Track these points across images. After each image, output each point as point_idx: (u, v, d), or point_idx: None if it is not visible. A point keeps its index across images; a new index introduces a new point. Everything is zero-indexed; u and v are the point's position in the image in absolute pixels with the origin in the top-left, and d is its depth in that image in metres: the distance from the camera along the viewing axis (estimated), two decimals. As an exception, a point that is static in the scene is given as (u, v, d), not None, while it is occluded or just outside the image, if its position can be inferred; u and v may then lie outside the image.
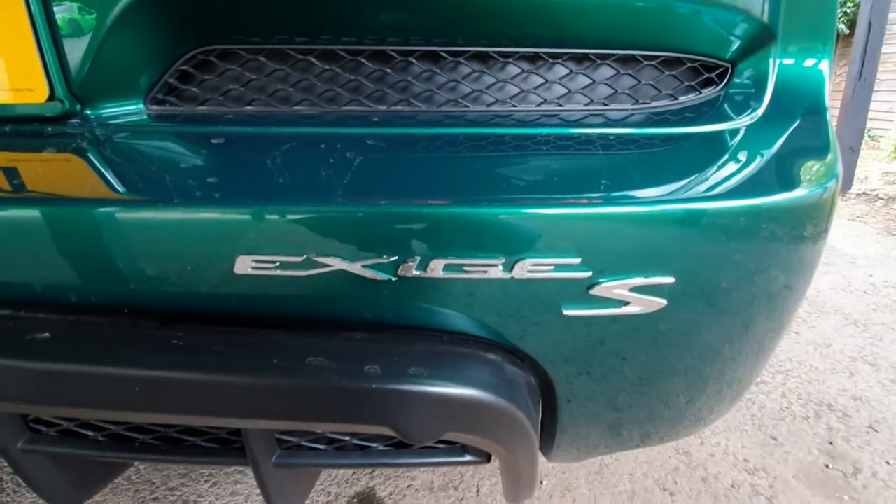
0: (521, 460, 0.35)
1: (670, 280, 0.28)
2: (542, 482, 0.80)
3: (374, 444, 0.37)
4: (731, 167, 0.32)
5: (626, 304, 0.29)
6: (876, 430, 0.92)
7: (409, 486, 0.78)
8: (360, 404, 0.26)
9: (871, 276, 1.64)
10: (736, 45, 0.39)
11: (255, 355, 0.27)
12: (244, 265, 0.26)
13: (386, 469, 0.76)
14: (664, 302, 0.29)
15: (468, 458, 0.37)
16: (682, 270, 0.28)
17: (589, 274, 0.28)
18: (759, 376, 0.44)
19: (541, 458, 0.42)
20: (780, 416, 0.95)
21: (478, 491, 0.77)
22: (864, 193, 2.91)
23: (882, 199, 2.78)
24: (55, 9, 0.32)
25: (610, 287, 0.28)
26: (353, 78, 0.37)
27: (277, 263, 0.26)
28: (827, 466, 0.83)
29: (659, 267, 0.28)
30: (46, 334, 0.27)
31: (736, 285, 0.32)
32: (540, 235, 0.26)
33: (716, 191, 0.29)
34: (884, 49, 3.08)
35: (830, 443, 0.88)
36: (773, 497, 0.77)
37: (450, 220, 0.26)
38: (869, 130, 4.94)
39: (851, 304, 1.43)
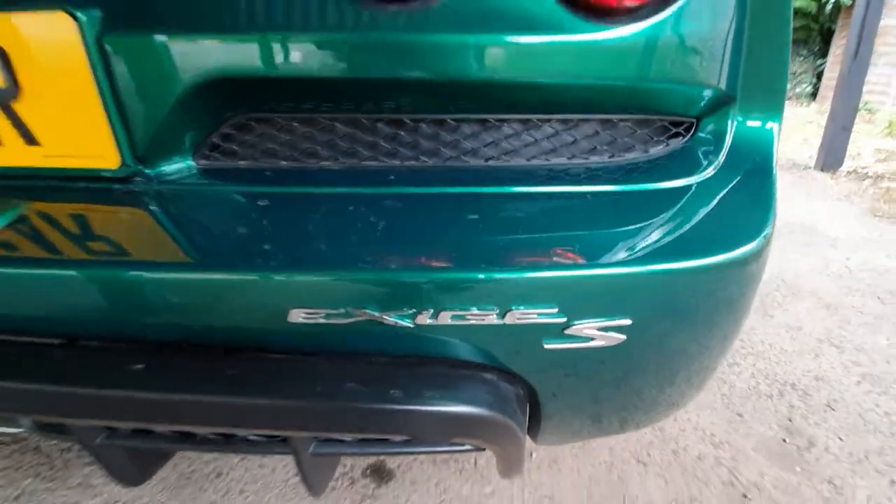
0: (511, 452, 0.44)
1: (628, 322, 0.36)
2: (532, 455, 0.90)
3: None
4: (682, 224, 0.39)
5: (593, 339, 0.37)
6: (833, 409, 1.02)
7: (414, 459, 0.88)
8: (387, 420, 0.35)
9: (848, 258, 1.73)
10: (700, 105, 0.46)
11: (306, 382, 0.35)
12: (296, 316, 0.34)
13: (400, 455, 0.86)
14: (623, 337, 0.37)
15: (467, 447, 0.46)
16: (638, 314, 0.36)
17: (564, 319, 0.35)
18: (708, 379, 0.52)
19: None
20: (748, 394, 1.05)
21: (475, 463, 0.88)
22: (854, 171, 2.97)
23: (871, 177, 2.84)
24: (123, 92, 0.39)
25: (581, 328, 0.36)
26: (370, 138, 0.44)
27: (323, 315, 0.34)
28: (784, 441, 0.94)
29: (619, 312, 0.36)
30: (141, 366, 0.35)
31: (680, 324, 0.40)
32: (525, 292, 0.34)
33: (663, 251, 0.36)
34: (883, 21, 3.07)
35: (790, 419, 0.99)
36: (733, 468, 0.88)
37: (454, 283, 0.34)
38: (866, 104, 4.94)
39: (826, 286, 1.52)
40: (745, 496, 0.82)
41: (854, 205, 2.39)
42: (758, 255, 0.39)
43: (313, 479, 0.49)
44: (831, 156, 2.99)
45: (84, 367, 0.38)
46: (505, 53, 0.39)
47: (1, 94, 0.38)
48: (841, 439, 0.95)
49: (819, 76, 8.00)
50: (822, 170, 3.03)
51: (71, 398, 0.37)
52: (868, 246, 1.86)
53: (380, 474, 0.85)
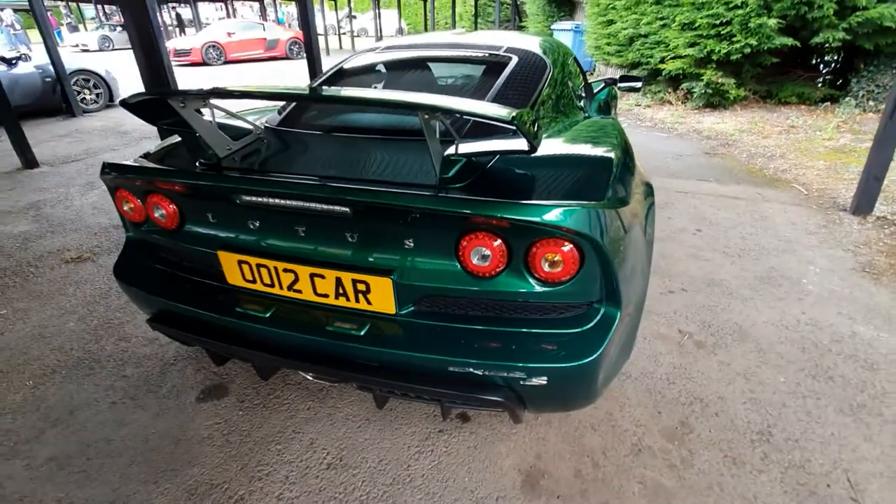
0: (513, 414, 1.33)
1: (545, 380, 1.21)
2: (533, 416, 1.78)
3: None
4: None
5: (535, 382, 1.22)
6: (718, 416, 1.78)
7: (479, 414, 1.79)
8: (458, 399, 1.25)
9: (804, 313, 2.34)
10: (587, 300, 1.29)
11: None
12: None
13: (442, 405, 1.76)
14: (545, 381, 1.22)
15: (497, 409, 1.36)
16: (548, 378, 1.21)
17: (525, 375, 1.21)
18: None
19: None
20: (672, 402, 1.84)
21: (504, 419, 1.77)
22: (884, 217, 3.33)
23: (895, 225, 3.21)
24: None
25: (531, 380, 1.22)
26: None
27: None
28: (660, 413, 1.73)
29: (541, 375, 1.21)
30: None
31: (562, 380, 1.24)
32: (514, 374, 1.21)
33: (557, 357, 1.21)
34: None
35: (684, 420, 1.77)
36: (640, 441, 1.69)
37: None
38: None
39: (768, 335, 2.18)
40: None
41: (856, 257, 2.87)
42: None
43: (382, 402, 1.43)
44: (864, 201, 3.37)
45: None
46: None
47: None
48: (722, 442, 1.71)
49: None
50: (853, 213, 3.41)
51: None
52: (828, 303, 2.43)
53: (464, 418, 1.78)
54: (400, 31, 22.14)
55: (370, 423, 1.74)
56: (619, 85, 3.43)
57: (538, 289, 1.23)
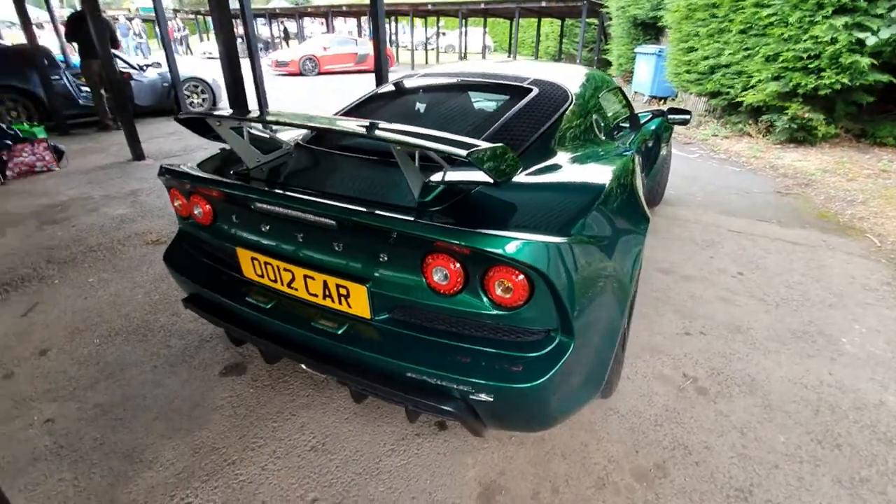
0: (469, 427, 1.43)
1: (491, 397, 1.30)
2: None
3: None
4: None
5: (482, 398, 1.31)
6: (698, 466, 1.73)
7: (457, 425, 1.89)
8: (419, 404, 1.36)
9: (830, 373, 2.17)
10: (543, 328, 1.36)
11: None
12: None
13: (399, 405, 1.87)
14: (492, 398, 1.30)
15: (451, 418, 1.46)
16: (495, 396, 1.29)
17: (471, 389, 1.31)
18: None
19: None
20: (653, 443, 1.81)
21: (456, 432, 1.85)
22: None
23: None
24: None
25: (478, 395, 1.31)
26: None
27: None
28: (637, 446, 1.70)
29: (487, 392, 1.30)
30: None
31: (511, 399, 1.32)
32: (468, 387, 1.31)
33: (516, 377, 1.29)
34: None
35: (663, 462, 1.73)
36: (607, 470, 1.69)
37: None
38: None
39: (779, 392, 2.05)
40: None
41: (917, 321, 2.58)
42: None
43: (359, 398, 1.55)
44: (945, 261, 3.00)
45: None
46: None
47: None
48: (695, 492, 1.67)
49: None
50: (931, 272, 3.06)
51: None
52: (863, 366, 2.22)
53: (441, 426, 1.88)
54: (486, 49, 22.66)
55: (357, 416, 1.91)
56: (670, 117, 3.37)
57: (493, 311, 1.33)
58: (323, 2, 27.31)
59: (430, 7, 18.73)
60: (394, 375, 1.43)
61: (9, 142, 4.82)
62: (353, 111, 2.41)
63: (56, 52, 7.77)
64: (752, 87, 6.09)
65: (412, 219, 1.26)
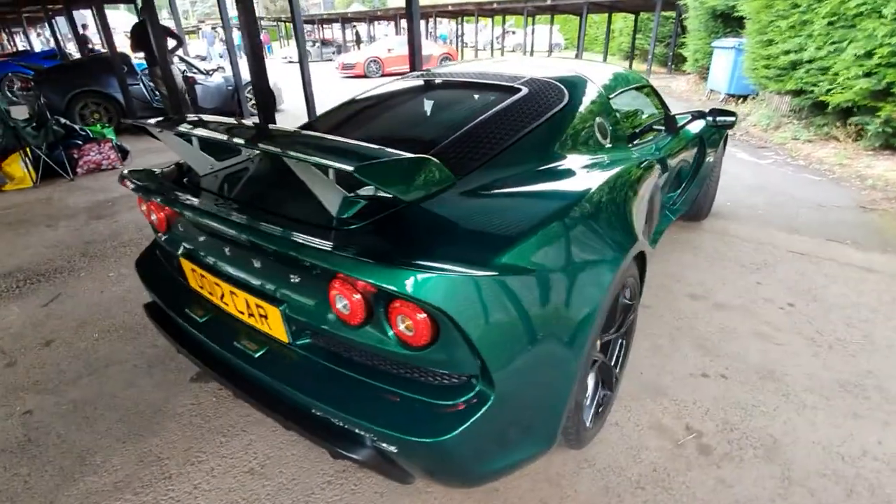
0: (389, 474, 1.26)
1: (395, 449, 1.12)
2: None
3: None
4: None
5: (391, 448, 1.14)
6: (681, 545, 1.42)
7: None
8: (336, 444, 1.21)
9: (880, 443, 1.73)
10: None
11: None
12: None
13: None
14: (396, 449, 1.13)
15: (365, 466, 1.30)
16: (399, 448, 1.12)
17: (373, 436, 1.14)
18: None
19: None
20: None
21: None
22: None
23: None
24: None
25: (380, 443, 1.14)
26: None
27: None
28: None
29: (392, 444, 1.13)
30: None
31: (406, 451, 1.13)
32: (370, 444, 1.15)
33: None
34: None
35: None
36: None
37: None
38: None
39: (806, 464, 1.67)
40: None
41: None
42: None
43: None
44: None
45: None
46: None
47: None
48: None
49: None
50: None
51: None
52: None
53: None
54: (553, 47, 21.95)
55: (304, 441, 1.80)
56: (709, 119, 2.94)
57: (400, 349, 1.15)
58: (393, 4, 27.97)
59: (495, 6, 18.43)
60: (300, 410, 1.29)
61: (79, 141, 5.31)
62: (334, 114, 2.31)
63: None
64: (838, 84, 5.27)
65: (302, 242, 1.11)
